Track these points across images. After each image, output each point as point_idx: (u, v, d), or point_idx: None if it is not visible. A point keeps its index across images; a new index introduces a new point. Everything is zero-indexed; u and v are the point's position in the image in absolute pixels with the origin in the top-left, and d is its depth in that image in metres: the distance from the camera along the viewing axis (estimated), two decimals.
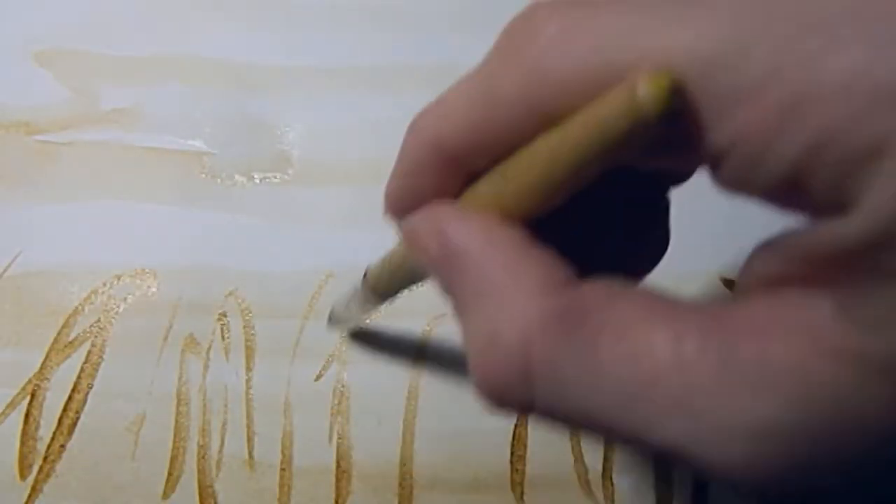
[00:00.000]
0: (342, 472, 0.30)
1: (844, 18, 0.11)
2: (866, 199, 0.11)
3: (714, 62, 0.12)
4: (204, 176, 0.35)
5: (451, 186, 0.16)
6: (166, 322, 0.32)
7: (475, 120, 0.15)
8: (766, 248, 0.13)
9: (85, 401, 0.31)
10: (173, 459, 0.30)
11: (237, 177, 0.35)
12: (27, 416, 0.30)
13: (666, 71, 0.12)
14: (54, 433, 0.30)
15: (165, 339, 0.31)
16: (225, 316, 0.32)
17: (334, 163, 0.35)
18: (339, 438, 0.30)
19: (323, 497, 0.30)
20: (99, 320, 0.32)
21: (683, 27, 0.12)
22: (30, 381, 0.31)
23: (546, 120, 0.13)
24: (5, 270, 0.33)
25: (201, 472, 0.30)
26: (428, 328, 0.32)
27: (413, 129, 0.16)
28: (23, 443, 0.30)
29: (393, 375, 0.31)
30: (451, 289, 0.15)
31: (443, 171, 0.15)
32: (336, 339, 0.32)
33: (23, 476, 0.30)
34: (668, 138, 0.12)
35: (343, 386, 0.31)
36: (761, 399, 0.12)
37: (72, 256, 0.33)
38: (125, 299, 0.32)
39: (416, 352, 0.31)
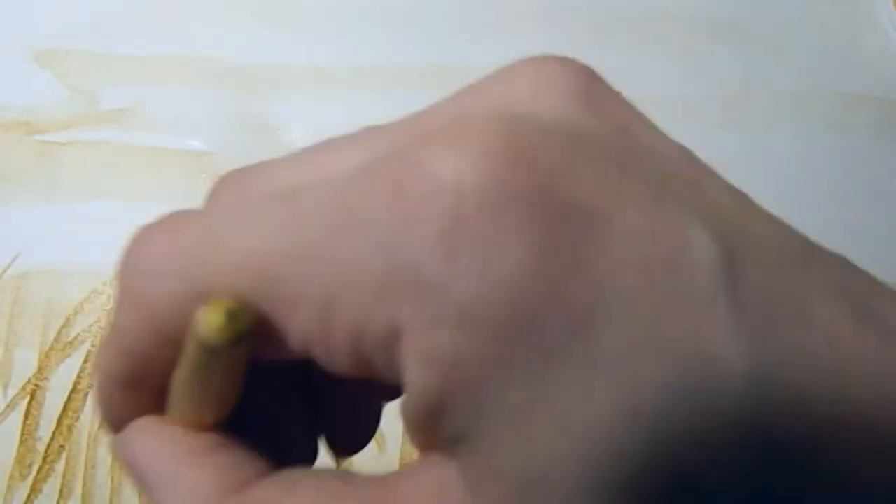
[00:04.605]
0: None
1: (339, 221, 0.12)
2: (405, 377, 0.12)
3: (265, 276, 0.12)
4: (204, 176, 0.34)
5: (151, 404, 0.16)
6: None
7: (126, 353, 0.15)
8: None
9: (84, 401, 0.31)
10: None
11: None
12: (27, 415, 0.30)
13: (221, 301, 0.12)
14: (54, 433, 0.30)
15: None
16: None
17: None
18: None
19: None
20: (99, 320, 0.32)
21: (238, 244, 0.13)
22: (29, 381, 0.31)
23: (174, 344, 0.14)
24: (5, 270, 0.33)
25: None
26: None
27: (95, 364, 0.17)
28: (22, 442, 0.30)
29: None
30: None
31: (132, 395, 0.16)
32: None
33: (22, 476, 0.29)
34: (267, 346, 0.13)
35: None
36: None
37: (72, 256, 0.33)
38: None
39: None
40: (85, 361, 0.31)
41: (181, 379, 0.14)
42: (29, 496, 0.29)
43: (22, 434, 0.30)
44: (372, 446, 0.30)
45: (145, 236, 0.15)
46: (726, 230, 0.11)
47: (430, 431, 0.12)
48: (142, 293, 0.14)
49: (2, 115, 0.35)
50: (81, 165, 0.35)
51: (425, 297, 0.11)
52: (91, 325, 0.32)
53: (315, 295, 0.12)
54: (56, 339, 0.31)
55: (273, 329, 0.13)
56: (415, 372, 0.11)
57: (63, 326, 0.32)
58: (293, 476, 0.14)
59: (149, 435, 0.15)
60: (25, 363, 0.31)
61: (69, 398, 0.31)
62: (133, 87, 0.36)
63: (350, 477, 0.14)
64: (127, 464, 0.16)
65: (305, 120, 0.36)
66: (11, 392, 0.31)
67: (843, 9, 0.40)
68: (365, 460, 0.30)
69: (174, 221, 0.15)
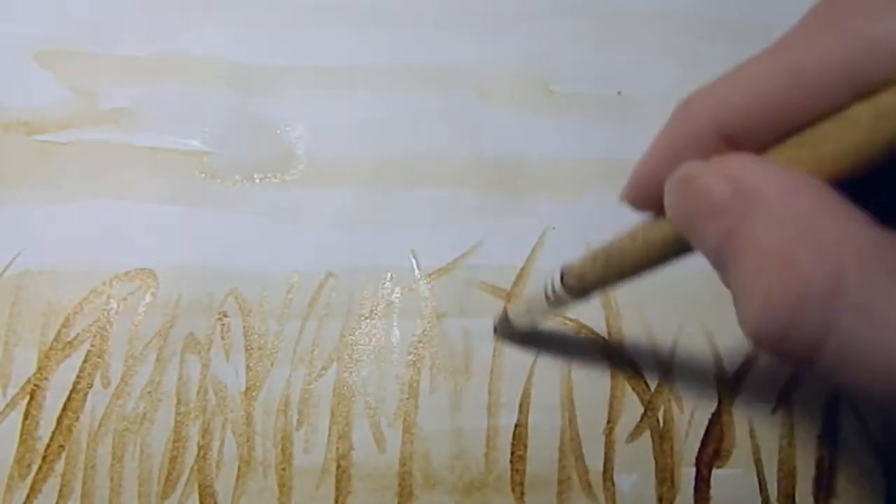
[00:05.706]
0: (342, 472, 0.30)
1: None
2: None
3: None
4: (204, 176, 0.34)
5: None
6: (166, 322, 0.32)
7: (775, 91, 0.14)
8: None
9: (84, 400, 0.31)
10: (173, 459, 0.30)
11: (237, 177, 0.35)
12: (26, 415, 0.30)
13: None
14: (53, 433, 0.30)
15: (165, 338, 0.31)
16: (225, 316, 0.32)
17: (334, 163, 0.35)
18: (339, 438, 0.30)
19: (323, 497, 0.29)
20: (98, 320, 0.32)
21: None
22: (29, 381, 0.31)
23: (860, 89, 0.13)
24: (5, 270, 0.33)
25: (201, 472, 0.30)
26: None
27: (686, 109, 0.16)
28: (22, 442, 0.30)
29: (393, 375, 0.31)
30: (734, 231, 0.14)
31: (715, 152, 0.15)
32: (336, 339, 0.32)
33: (21, 476, 0.29)
34: None
35: (343, 386, 0.31)
36: None
37: (72, 256, 0.33)
38: (125, 299, 0.32)
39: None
40: (85, 361, 0.31)
41: (864, 121, 0.13)
42: (28, 496, 0.29)
43: (21, 434, 0.30)
44: (372, 446, 0.30)
45: None
46: None
47: None
48: (863, 28, 0.13)
49: (2, 115, 0.35)
50: (81, 165, 0.35)
51: None
52: (91, 325, 0.32)
53: None
54: (56, 339, 0.31)
55: None
56: None
57: (63, 326, 0.32)
58: None
59: (760, 163, 0.14)
60: (25, 363, 0.31)
61: (69, 398, 0.31)
62: (133, 87, 0.36)
63: None
64: (719, 185, 0.14)
65: (305, 120, 0.36)
66: (11, 392, 0.31)
67: None
68: (365, 460, 0.30)
69: None
